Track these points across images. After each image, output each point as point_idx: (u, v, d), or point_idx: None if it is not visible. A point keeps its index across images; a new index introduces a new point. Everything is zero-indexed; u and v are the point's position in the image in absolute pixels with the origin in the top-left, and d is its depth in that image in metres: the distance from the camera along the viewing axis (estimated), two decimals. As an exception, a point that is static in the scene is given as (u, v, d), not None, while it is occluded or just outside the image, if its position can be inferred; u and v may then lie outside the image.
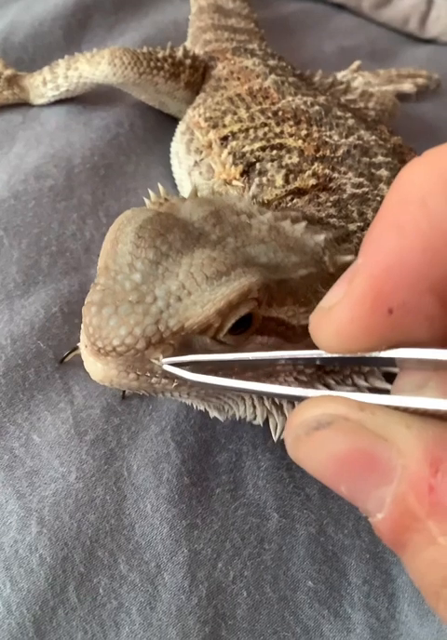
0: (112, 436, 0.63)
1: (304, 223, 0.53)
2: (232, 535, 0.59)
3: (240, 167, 0.76)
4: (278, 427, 0.56)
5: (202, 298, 0.43)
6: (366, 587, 0.58)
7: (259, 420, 0.56)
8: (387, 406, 0.29)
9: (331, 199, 0.68)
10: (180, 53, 0.98)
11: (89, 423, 0.64)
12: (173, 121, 0.98)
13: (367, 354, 0.31)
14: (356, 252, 0.55)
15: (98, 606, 0.54)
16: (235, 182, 0.74)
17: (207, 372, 0.40)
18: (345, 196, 0.69)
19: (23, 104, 1.00)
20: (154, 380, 0.45)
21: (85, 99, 1.00)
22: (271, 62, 0.97)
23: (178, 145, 0.93)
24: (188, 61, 0.97)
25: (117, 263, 0.46)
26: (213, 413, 0.57)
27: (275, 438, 0.57)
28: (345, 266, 0.50)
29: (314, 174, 0.72)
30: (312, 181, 0.71)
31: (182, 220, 0.49)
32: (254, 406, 0.55)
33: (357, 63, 1.18)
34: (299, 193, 0.71)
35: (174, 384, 0.46)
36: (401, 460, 0.27)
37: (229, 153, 0.78)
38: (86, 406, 0.65)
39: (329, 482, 0.29)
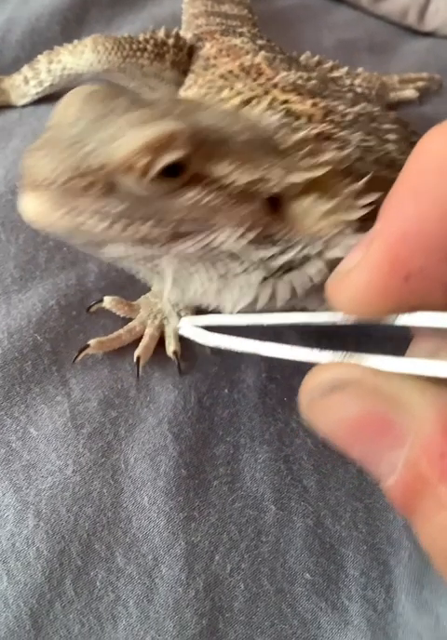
0: (109, 429, 0.63)
1: (261, 107, 0.55)
2: (229, 527, 0.59)
3: None
4: (231, 304, 0.57)
5: (128, 139, 0.45)
6: (363, 579, 0.58)
7: (212, 296, 0.57)
8: (402, 372, 0.29)
9: (334, 146, 0.68)
10: (161, 33, 0.97)
11: (86, 416, 0.64)
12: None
13: (383, 320, 0.31)
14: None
15: (95, 599, 0.54)
16: None
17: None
18: (346, 148, 0.68)
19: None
20: (81, 218, 0.46)
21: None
22: (259, 42, 0.97)
23: None
24: (171, 40, 0.96)
25: (64, 122, 0.49)
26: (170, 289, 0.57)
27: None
28: (300, 143, 0.53)
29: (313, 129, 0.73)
30: (315, 131, 0.71)
31: (135, 94, 0.53)
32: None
33: (360, 69, 1.17)
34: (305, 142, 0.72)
35: (101, 226, 0.47)
36: (415, 424, 0.27)
37: None
38: (83, 398, 0.65)
39: (342, 444, 0.30)
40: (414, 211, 0.29)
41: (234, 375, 0.70)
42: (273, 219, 0.53)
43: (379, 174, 0.63)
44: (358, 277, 0.30)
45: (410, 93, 1.17)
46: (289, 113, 0.75)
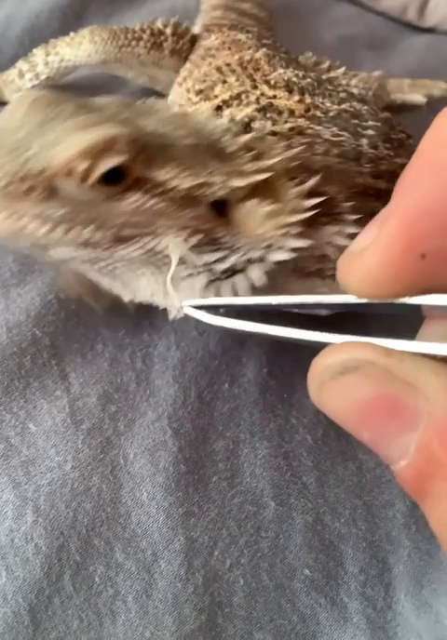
0: (108, 424, 0.63)
1: (207, 111, 0.56)
2: (228, 523, 0.59)
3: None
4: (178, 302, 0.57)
5: (69, 144, 0.46)
6: (362, 576, 0.58)
7: (158, 297, 0.58)
8: (415, 353, 0.29)
9: (302, 141, 0.68)
10: (158, 23, 0.97)
11: (86, 412, 0.63)
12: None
13: (396, 300, 0.30)
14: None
15: (94, 595, 0.54)
16: None
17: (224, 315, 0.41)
18: (318, 141, 0.69)
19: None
20: (22, 222, 0.47)
21: (78, 91, 0.99)
22: (264, 41, 0.96)
23: None
24: (169, 29, 0.96)
25: (8, 126, 0.49)
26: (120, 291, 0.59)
27: (170, 316, 0.59)
28: (245, 146, 0.54)
29: (286, 122, 0.73)
30: (288, 125, 0.72)
31: (84, 100, 0.53)
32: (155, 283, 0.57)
33: (377, 73, 1.15)
34: (275, 135, 0.71)
35: (43, 230, 0.48)
36: (428, 406, 0.27)
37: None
38: (82, 393, 0.65)
39: (352, 428, 0.29)
40: (431, 187, 0.28)
41: (235, 369, 0.70)
42: (218, 223, 0.54)
43: (341, 167, 0.64)
44: (371, 257, 0.29)
45: (417, 98, 1.13)
46: (271, 107, 0.77)
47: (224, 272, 0.56)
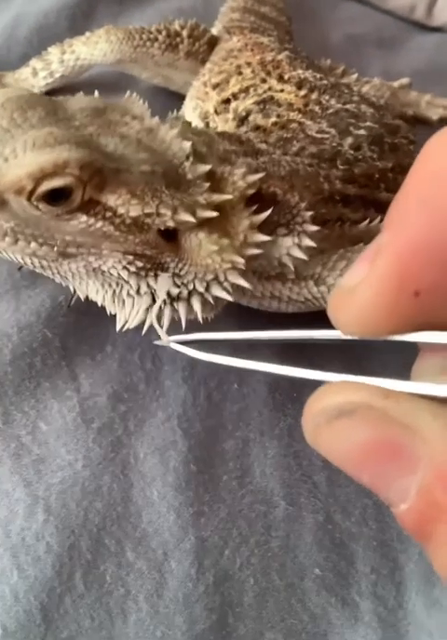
0: (118, 424, 0.63)
1: (175, 131, 0.55)
2: (239, 522, 0.59)
3: (233, 123, 0.77)
4: (123, 320, 0.59)
5: (23, 161, 0.48)
6: (373, 575, 0.58)
7: (108, 306, 0.60)
8: (412, 394, 0.28)
9: (283, 136, 0.71)
10: (175, 24, 0.98)
11: (96, 411, 0.64)
12: (179, 103, 0.96)
13: (389, 337, 0.30)
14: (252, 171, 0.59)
15: (105, 594, 0.54)
16: None
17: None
18: (299, 137, 0.71)
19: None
20: None
21: (88, 89, 0.99)
22: (286, 45, 0.97)
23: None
24: (185, 31, 0.97)
25: None
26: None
27: (117, 327, 0.60)
28: (203, 177, 0.54)
29: (278, 115, 0.75)
30: (272, 120, 0.74)
31: (56, 103, 0.54)
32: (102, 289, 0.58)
33: (405, 80, 1.15)
34: (257, 128, 0.74)
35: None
36: (427, 450, 0.26)
37: (232, 116, 0.79)
38: (92, 393, 0.65)
39: (350, 471, 0.29)
40: (425, 221, 0.27)
41: (244, 370, 0.70)
42: (166, 249, 0.55)
43: (310, 170, 0.66)
44: (363, 294, 0.28)
45: (432, 115, 1.13)
46: (271, 100, 0.78)
47: (168, 296, 0.57)
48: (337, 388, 0.29)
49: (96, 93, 0.60)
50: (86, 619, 0.53)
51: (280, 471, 0.63)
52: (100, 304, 0.60)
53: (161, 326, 0.57)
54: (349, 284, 0.30)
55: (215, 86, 0.86)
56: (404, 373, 0.74)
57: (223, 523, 0.59)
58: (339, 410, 0.28)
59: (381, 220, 0.67)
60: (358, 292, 0.29)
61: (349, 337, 0.32)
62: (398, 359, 0.77)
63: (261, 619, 0.55)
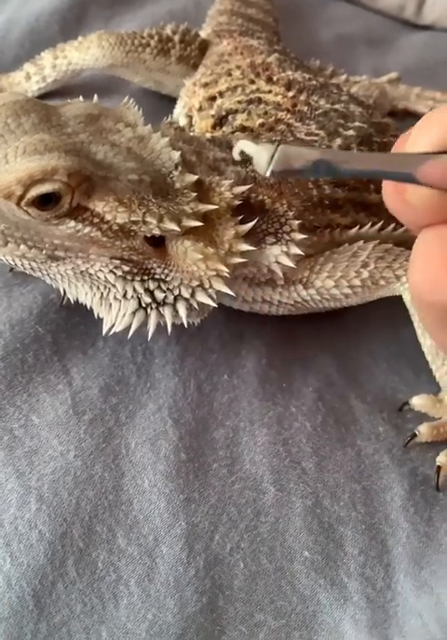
0: (110, 415, 0.64)
1: (166, 140, 0.57)
2: (229, 508, 0.60)
3: (211, 120, 0.78)
4: (110, 323, 0.61)
5: (13, 167, 0.50)
6: (362, 557, 0.59)
7: (96, 309, 0.61)
8: None
9: (272, 139, 0.71)
10: (167, 29, 0.99)
11: (87, 403, 0.65)
12: (171, 105, 0.97)
13: None
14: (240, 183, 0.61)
15: (97, 580, 0.55)
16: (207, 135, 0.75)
17: None
18: (288, 139, 0.72)
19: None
20: None
21: (81, 92, 1.00)
22: (275, 47, 0.98)
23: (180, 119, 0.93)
24: (177, 37, 0.98)
25: None
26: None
27: (104, 331, 0.61)
28: (190, 186, 0.56)
29: (265, 114, 0.76)
30: (260, 121, 0.75)
31: (50, 109, 0.56)
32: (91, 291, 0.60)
33: (394, 74, 1.16)
34: (243, 129, 0.75)
35: None
36: None
37: (214, 113, 0.80)
38: (84, 386, 0.66)
39: None
40: None
41: (234, 361, 0.71)
42: (153, 255, 0.57)
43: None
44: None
45: (422, 108, 1.13)
46: (259, 100, 0.78)
47: (154, 300, 0.58)
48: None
49: (95, 98, 0.61)
50: (78, 604, 0.54)
51: (270, 458, 0.63)
52: (88, 307, 0.61)
53: (148, 328, 0.60)
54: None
55: (204, 85, 0.87)
56: (392, 363, 0.75)
57: (214, 509, 0.60)
58: None
59: (372, 226, 0.68)
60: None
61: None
62: (385, 348, 0.78)
63: (251, 601, 0.56)
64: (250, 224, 0.59)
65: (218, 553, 0.58)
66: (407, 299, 0.65)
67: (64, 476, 0.59)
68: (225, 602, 0.56)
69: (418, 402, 0.68)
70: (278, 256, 0.62)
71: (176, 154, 0.56)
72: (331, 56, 1.16)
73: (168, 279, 0.58)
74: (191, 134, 0.69)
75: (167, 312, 0.59)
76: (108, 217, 0.53)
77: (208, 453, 0.63)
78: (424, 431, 0.65)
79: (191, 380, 0.68)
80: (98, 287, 0.59)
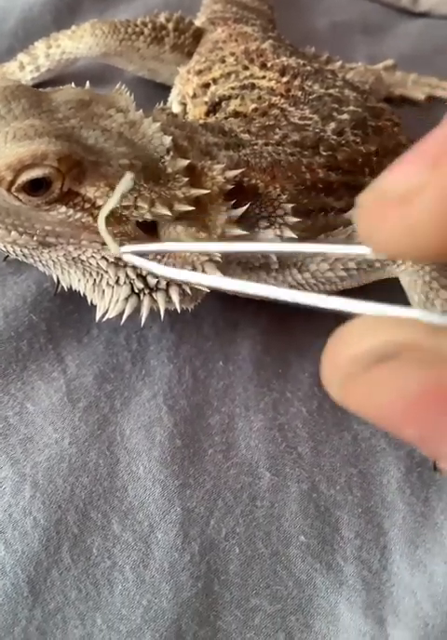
0: (105, 402, 0.64)
1: (157, 125, 0.57)
2: (224, 494, 0.60)
3: (205, 107, 0.78)
4: (103, 309, 0.60)
5: (3, 152, 0.49)
6: (358, 540, 0.59)
7: (89, 296, 0.61)
8: None
9: (265, 123, 0.71)
10: (161, 17, 0.99)
11: (82, 391, 0.65)
12: (165, 93, 0.97)
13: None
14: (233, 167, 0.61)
15: (91, 566, 0.55)
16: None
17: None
18: (282, 124, 0.71)
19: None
20: None
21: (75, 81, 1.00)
22: (270, 34, 0.98)
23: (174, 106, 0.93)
24: (171, 25, 0.98)
25: None
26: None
27: (97, 317, 0.61)
28: (182, 171, 0.55)
29: (259, 99, 0.76)
30: (253, 106, 0.75)
31: (41, 95, 0.55)
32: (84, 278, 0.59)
33: (390, 62, 1.16)
34: (236, 115, 0.75)
35: None
36: None
37: (208, 99, 0.80)
38: (78, 374, 0.66)
39: (393, 425, 0.23)
40: None
41: (229, 348, 0.70)
42: (146, 239, 0.56)
43: (292, 160, 0.66)
44: (422, 205, 0.22)
45: (418, 94, 1.13)
46: (252, 86, 0.78)
47: (146, 286, 0.58)
48: (370, 326, 0.23)
49: (87, 84, 0.61)
50: (72, 590, 0.54)
51: (265, 443, 0.63)
52: (82, 293, 0.61)
53: (141, 315, 0.59)
54: (396, 189, 0.23)
55: (198, 73, 0.86)
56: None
57: (209, 494, 0.60)
58: (379, 354, 0.22)
59: None
60: (415, 201, 0.23)
61: (375, 256, 0.26)
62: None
63: (246, 586, 0.56)
64: (243, 208, 0.59)
65: (213, 538, 0.57)
66: (404, 281, 0.64)
67: (59, 463, 0.59)
68: (221, 587, 0.56)
69: None
70: (272, 240, 0.62)
71: (168, 139, 0.56)
72: (326, 43, 1.16)
73: (160, 264, 0.57)
74: (183, 119, 0.69)
75: (159, 297, 0.59)
76: (99, 202, 0.52)
77: (203, 439, 0.63)
78: None
79: (186, 366, 0.68)
80: (90, 274, 0.58)
